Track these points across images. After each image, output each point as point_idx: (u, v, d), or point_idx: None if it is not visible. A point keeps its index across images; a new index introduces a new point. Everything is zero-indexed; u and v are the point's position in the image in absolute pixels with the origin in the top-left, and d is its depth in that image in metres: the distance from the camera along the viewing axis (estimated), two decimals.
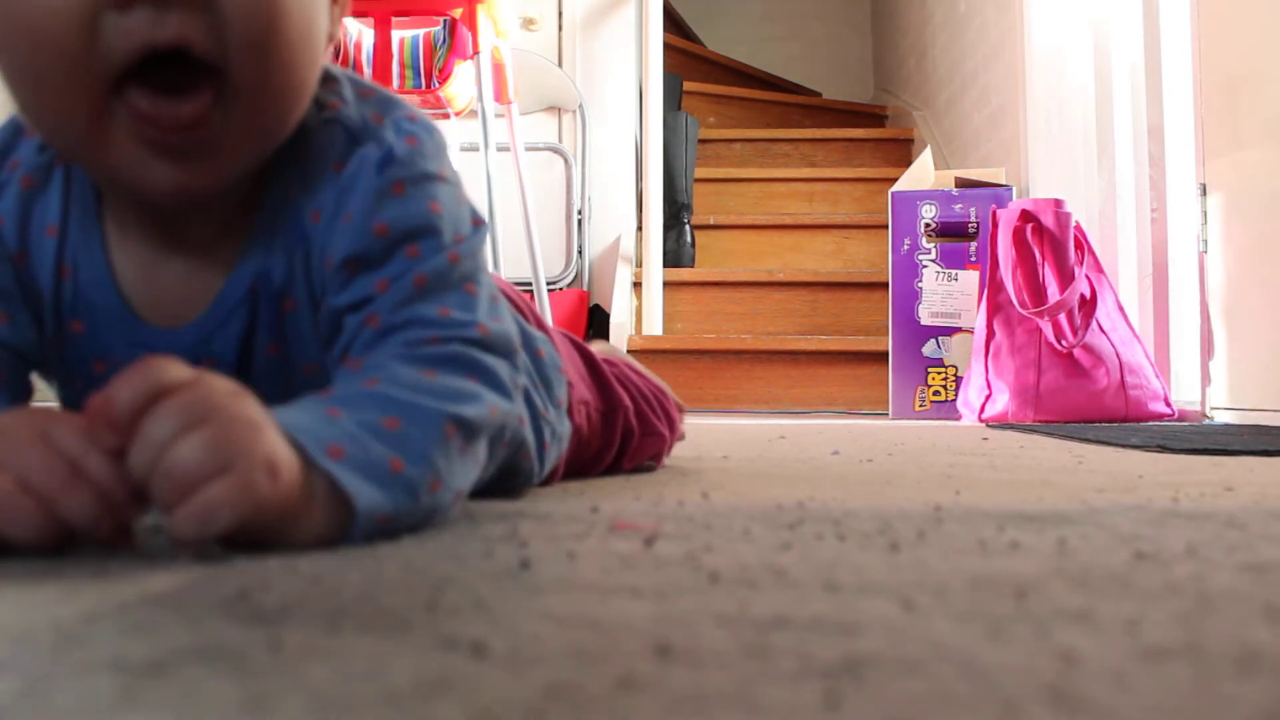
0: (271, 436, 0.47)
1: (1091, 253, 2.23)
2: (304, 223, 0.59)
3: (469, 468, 0.57)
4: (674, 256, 3.29)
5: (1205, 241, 2.06)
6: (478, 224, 0.63)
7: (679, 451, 1.22)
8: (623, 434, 0.91)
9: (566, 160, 3.27)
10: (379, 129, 0.60)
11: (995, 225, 2.25)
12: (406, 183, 0.59)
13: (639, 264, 3.20)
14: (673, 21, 4.30)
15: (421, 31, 2.27)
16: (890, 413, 2.47)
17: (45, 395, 0.66)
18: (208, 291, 0.60)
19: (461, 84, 2.32)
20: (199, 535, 0.45)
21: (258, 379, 0.60)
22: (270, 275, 0.60)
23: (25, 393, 0.63)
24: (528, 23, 3.28)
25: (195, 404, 0.46)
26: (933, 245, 2.45)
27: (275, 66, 0.53)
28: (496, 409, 0.57)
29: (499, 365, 0.59)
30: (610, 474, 0.93)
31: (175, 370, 0.47)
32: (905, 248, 2.46)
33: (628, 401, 0.91)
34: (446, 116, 2.43)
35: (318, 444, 0.49)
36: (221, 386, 0.48)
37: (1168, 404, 2.14)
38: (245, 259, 0.60)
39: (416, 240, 0.58)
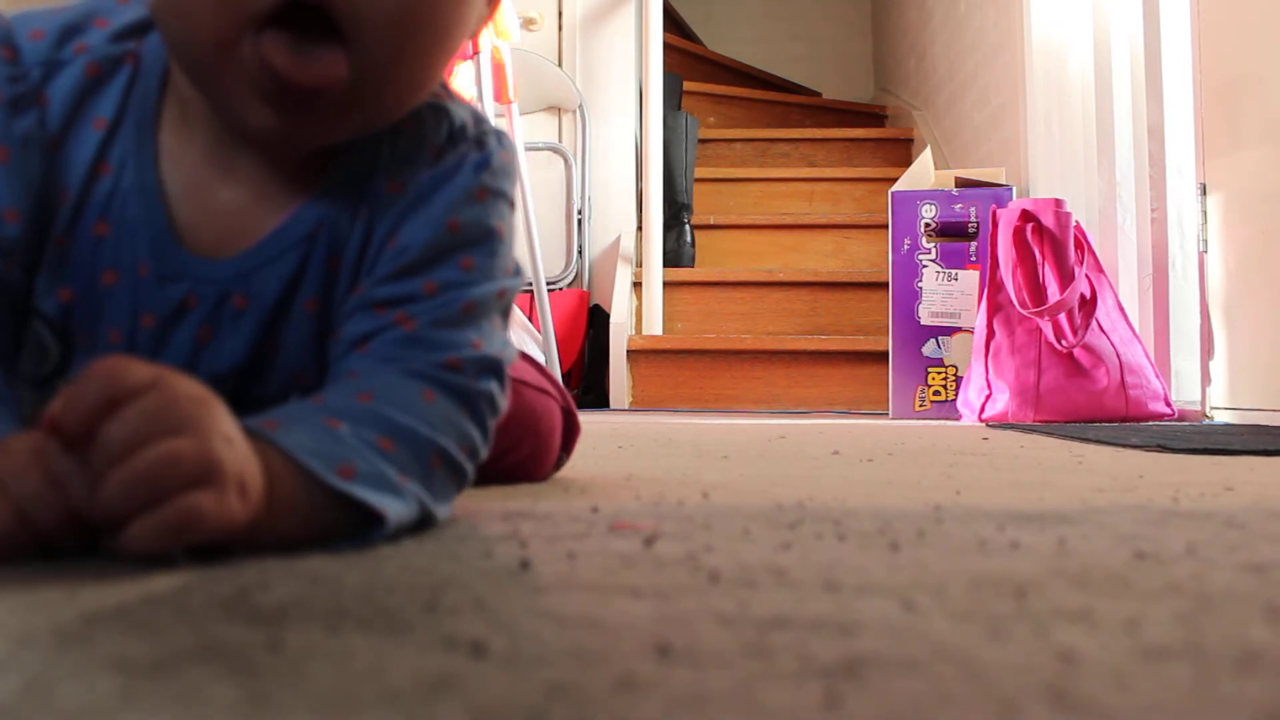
0: (243, 452, 0.46)
1: (1091, 253, 2.23)
2: (378, 189, 0.59)
3: (449, 496, 0.57)
4: (674, 256, 3.29)
5: (1205, 241, 2.06)
6: (517, 271, 0.63)
7: (680, 451, 1.22)
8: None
9: (566, 160, 3.27)
10: (483, 134, 0.62)
11: (995, 225, 2.25)
12: (490, 192, 0.60)
13: (639, 264, 3.20)
14: (673, 21, 4.30)
15: None
16: (890, 413, 2.47)
17: None
18: (258, 228, 0.58)
19: (461, 84, 2.32)
20: (165, 546, 0.43)
21: (289, 333, 0.59)
22: (334, 226, 0.59)
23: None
24: (528, 23, 3.28)
25: (162, 410, 0.43)
26: (933, 245, 2.44)
27: (409, 51, 0.53)
28: (478, 451, 0.58)
29: (495, 391, 0.59)
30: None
31: (135, 371, 0.43)
32: (905, 248, 2.46)
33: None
34: None
35: (327, 465, 0.49)
36: (186, 390, 0.44)
37: (1168, 404, 2.14)
38: (310, 203, 0.59)
39: (474, 251, 0.59)
